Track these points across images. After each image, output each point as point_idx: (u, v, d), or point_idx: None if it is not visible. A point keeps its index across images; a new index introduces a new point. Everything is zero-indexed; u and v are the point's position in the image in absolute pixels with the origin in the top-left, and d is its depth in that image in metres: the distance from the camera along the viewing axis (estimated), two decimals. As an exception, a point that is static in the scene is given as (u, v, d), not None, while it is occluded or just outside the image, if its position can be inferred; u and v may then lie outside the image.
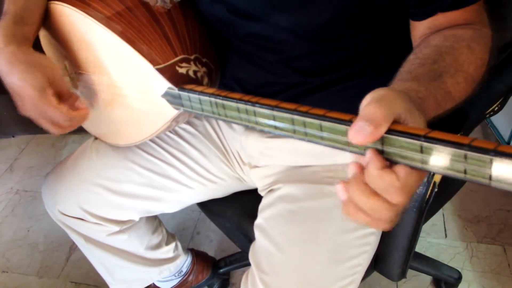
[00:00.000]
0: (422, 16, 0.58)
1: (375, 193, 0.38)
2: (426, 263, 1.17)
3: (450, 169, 0.34)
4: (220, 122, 0.85)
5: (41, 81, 0.62)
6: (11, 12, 0.65)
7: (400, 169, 0.37)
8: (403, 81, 0.48)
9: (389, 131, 0.37)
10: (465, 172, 0.34)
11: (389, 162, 0.38)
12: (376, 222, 0.39)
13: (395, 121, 0.38)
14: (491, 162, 0.31)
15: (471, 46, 0.53)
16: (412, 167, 0.37)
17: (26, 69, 0.61)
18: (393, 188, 0.37)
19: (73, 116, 0.66)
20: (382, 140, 0.38)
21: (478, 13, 0.58)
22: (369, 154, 0.38)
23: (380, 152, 0.38)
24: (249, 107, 0.47)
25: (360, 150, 0.40)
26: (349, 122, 0.40)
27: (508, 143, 1.48)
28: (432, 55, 0.52)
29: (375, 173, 0.37)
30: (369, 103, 0.38)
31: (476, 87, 0.54)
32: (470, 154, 0.33)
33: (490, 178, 0.32)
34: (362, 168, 0.40)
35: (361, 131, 0.36)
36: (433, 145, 0.35)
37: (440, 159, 0.35)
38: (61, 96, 0.66)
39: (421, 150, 0.35)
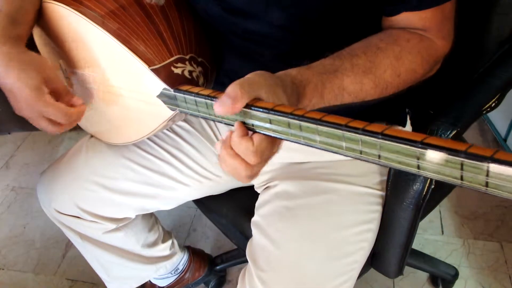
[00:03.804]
0: (390, 12, 0.60)
1: (237, 155, 0.48)
2: (423, 260, 1.17)
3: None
4: (216, 119, 0.85)
5: (36, 80, 0.61)
6: (5, 12, 0.64)
7: (256, 137, 0.47)
8: (298, 67, 0.55)
9: (252, 106, 0.46)
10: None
11: (252, 132, 0.48)
12: (238, 177, 0.50)
13: (258, 99, 0.47)
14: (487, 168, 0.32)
15: (401, 54, 0.57)
16: (265, 135, 0.47)
17: (21, 68, 0.61)
18: (248, 151, 0.47)
19: (70, 112, 0.65)
20: (245, 113, 0.47)
21: (439, 24, 0.60)
22: (235, 124, 0.48)
23: (250, 126, 0.48)
24: (246, 110, 0.47)
25: (356, 154, 0.41)
26: (345, 127, 0.40)
27: (505, 140, 1.48)
28: (351, 51, 0.57)
29: (236, 140, 0.47)
30: (233, 83, 0.46)
31: (390, 92, 0.59)
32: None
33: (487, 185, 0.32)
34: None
35: (223, 104, 0.45)
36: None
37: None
38: (57, 94, 0.65)
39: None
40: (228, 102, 0.45)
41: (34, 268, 1.38)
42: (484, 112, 0.68)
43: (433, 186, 0.62)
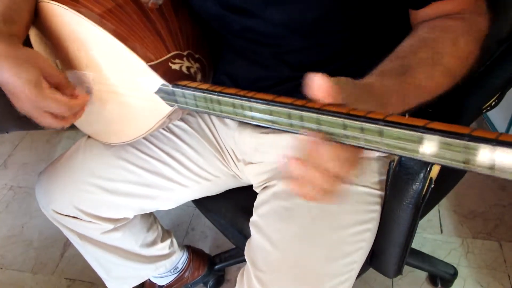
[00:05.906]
0: (418, 5, 0.59)
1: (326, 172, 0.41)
2: (422, 259, 1.17)
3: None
4: (214, 119, 0.85)
5: (34, 75, 0.60)
6: None
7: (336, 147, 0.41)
8: (370, 76, 0.50)
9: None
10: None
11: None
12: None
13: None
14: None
15: (456, 39, 0.55)
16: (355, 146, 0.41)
17: (18, 64, 0.60)
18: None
19: (72, 104, 0.64)
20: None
21: (473, 3, 0.58)
22: (321, 137, 0.42)
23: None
24: (245, 102, 0.47)
25: (359, 142, 0.40)
26: (346, 115, 0.40)
27: (504, 139, 1.48)
28: (409, 48, 0.54)
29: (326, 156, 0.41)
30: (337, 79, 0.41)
31: (458, 80, 0.55)
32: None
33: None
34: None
35: (321, 86, 0.39)
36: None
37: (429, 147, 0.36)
38: (58, 87, 0.64)
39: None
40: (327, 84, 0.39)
41: (32, 267, 1.37)
42: (484, 111, 0.68)
43: (433, 186, 0.62)
